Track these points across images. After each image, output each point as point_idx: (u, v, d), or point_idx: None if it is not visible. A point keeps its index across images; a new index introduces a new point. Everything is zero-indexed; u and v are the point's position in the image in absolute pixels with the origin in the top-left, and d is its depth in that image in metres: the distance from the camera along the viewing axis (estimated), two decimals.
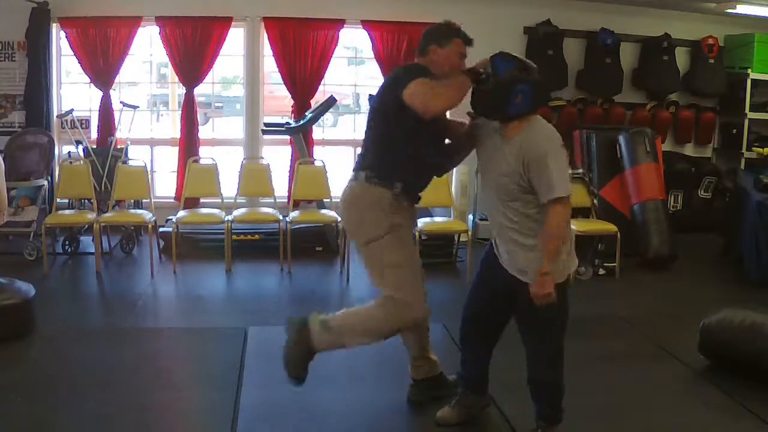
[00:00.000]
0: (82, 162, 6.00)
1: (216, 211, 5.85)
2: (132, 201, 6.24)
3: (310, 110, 6.54)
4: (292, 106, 6.95)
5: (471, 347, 3.11)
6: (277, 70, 6.91)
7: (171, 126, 7.54)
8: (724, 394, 3.53)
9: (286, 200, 6.40)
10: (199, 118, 7.22)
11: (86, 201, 6.06)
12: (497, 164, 2.71)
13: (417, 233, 5.41)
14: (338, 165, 6.68)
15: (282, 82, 6.94)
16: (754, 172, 6.24)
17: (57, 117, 6.67)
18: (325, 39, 6.81)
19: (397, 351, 4.17)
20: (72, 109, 6.42)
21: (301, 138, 6.43)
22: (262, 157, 6.68)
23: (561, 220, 2.60)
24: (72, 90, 7.16)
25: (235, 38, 6.94)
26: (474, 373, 3.12)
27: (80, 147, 6.34)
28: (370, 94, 6.76)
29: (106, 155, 6.26)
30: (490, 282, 2.92)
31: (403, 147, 2.88)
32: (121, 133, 6.65)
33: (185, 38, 6.65)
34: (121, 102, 6.60)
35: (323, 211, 6.00)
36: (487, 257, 2.94)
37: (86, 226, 5.93)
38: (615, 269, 5.68)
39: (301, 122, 6.38)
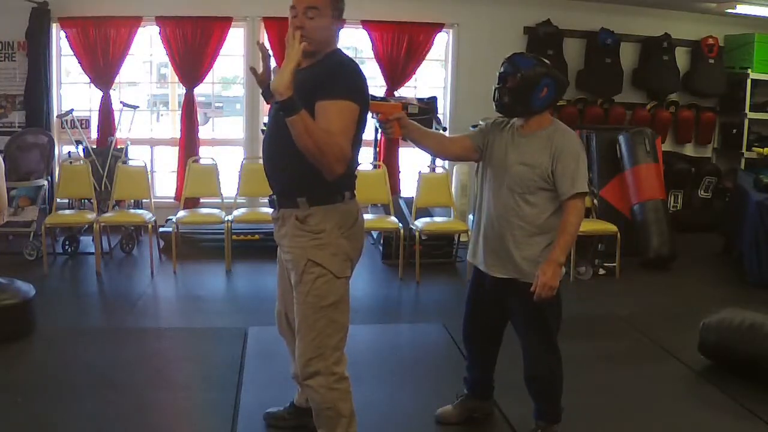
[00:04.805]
0: (82, 162, 5.99)
1: (216, 211, 5.85)
2: (132, 201, 6.23)
3: None
4: None
5: (473, 353, 3.13)
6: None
7: (171, 126, 7.53)
8: (724, 394, 3.53)
9: None
10: (199, 118, 7.22)
11: (86, 201, 6.06)
12: (515, 156, 2.76)
13: (417, 233, 5.49)
14: None
15: None
16: (754, 172, 6.24)
17: (57, 117, 6.67)
18: None
19: (396, 352, 4.19)
20: (72, 109, 6.42)
21: None
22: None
23: (579, 215, 2.72)
24: (72, 90, 7.16)
25: (235, 38, 6.95)
26: (477, 377, 3.13)
27: (80, 147, 6.34)
28: (371, 95, 6.78)
29: (106, 155, 6.25)
30: (480, 302, 2.99)
31: None
32: (121, 133, 6.65)
33: (185, 38, 6.66)
34: (121, 102, 6.60)
35: None
36: (474, 278, 3.01)
37: (86, 226, 5.93)
38: (615, 269, 5.68)
39: None
